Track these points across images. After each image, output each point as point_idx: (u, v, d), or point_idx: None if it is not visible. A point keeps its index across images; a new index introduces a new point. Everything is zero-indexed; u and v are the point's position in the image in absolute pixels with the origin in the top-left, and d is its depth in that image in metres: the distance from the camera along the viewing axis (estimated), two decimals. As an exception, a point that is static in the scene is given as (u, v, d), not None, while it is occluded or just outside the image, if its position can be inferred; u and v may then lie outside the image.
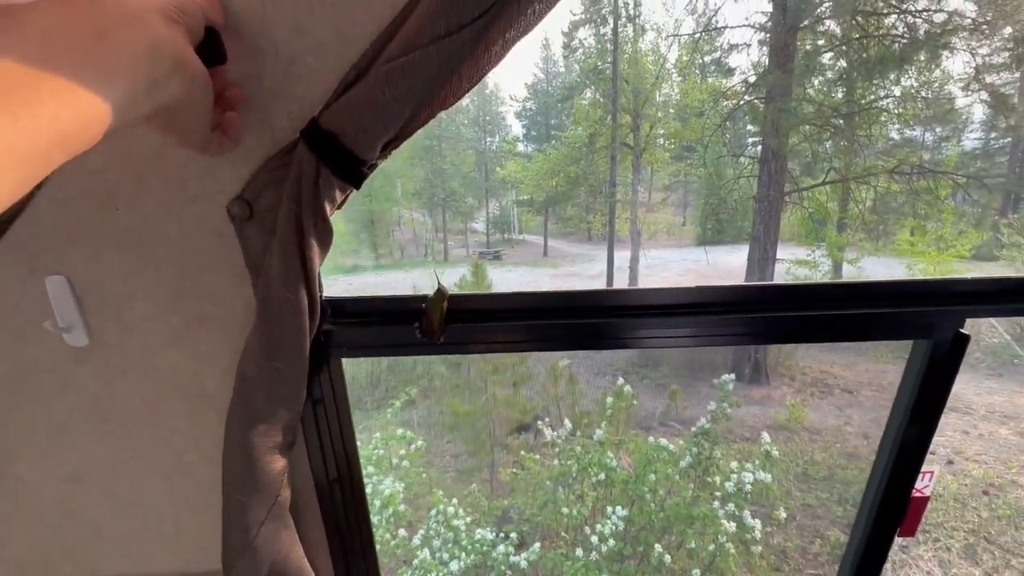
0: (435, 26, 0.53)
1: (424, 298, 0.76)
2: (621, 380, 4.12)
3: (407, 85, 0.56)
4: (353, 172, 0.63)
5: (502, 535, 3.67)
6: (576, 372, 8.57)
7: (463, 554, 3.39)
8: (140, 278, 0.71)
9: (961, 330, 0.82)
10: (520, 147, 26.74)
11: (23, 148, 0.32)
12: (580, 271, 22.59)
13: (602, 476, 3.59)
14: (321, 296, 0.73)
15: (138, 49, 0.40)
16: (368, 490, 3.98)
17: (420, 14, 0.54)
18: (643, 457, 3.62)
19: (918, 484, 0.98)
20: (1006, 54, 8.67)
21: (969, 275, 0.79)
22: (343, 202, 0.68)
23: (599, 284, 17.04)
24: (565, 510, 3.63)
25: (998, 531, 5.04)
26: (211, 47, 0.54)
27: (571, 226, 25.59)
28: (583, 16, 12.85)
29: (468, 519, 3.61)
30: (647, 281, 17.38)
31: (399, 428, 4.18)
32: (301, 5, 0.59)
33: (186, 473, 0.82)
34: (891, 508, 0.95)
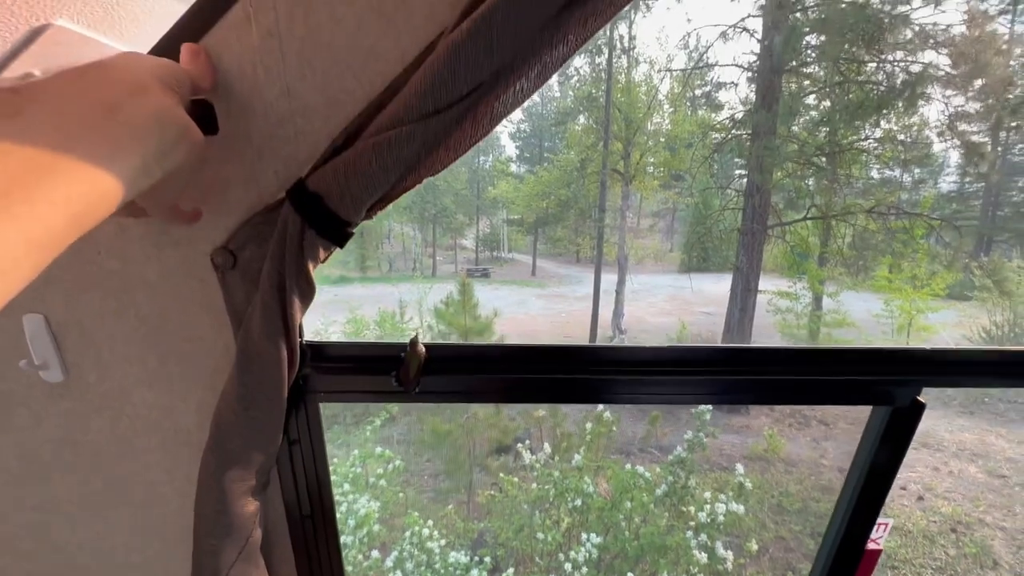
0: (424, 105, 0.55)
1: (403, 347, 0.78)
2: (601, 407, 4.16)
3: (395, 156, 0.58)
4: (337, 233, 0.64)
5: (476, 559, 3.64)
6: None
7: (433, 577, 3.35)
8: (119, 319, 0.72)
9: (918, 398, 0.87)
10: (513, 167, 27.08)
11: (39, 234, 0.31)
12: (567, 292, 22.75)
13: (579, 502, 3.60)
14: (301, 341, 0.74)
15: (148, 120, 0.41)
16: (343, 509, 3.95)
17: (409, 92, 0.56)
18: (620, 484, 3.64)
19: (873, 535, 1.04)
20: (978, 105, 9.13)
21: (928, 345, 0.84)
22: (326, 258, 0.69)
23: (586, 305, 17.11)
24: (540, 535, 3.61)
25: (964, 569, 5.12)
26: (203, 118, 0.57)
27: (560, 248, 25.83)
28: (579, 46, 13.23)
29: (443, 541, 3.57)
30: (632, 305, 17.56)
31: (378, 447, 4.14)
32: (292, 70, 0.60)
33: (159, 504, 0.83)
34: (845, 561, 1.00)
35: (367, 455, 4.15)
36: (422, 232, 27.84)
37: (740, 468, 3.74)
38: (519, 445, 4.72)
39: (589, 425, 4.08)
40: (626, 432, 8.50)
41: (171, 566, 0.87)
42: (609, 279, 16.11)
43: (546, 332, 16.66)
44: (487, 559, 3.48)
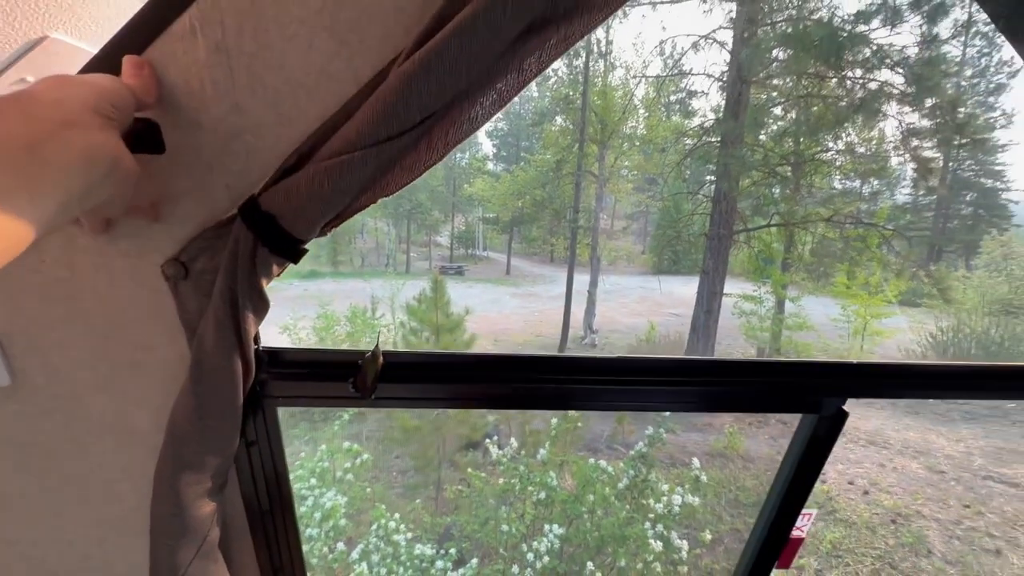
0: (377, 132, 0.56)
1: (361, 354, 0.79)
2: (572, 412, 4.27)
3: (348, 180, 0.58)
4: (290, 250, 0.64)
5: (442, 551, 3.70)
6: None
7: (401, 569, 3.39)
8: (67, 327, 0.72)
9: (843, 407, 0.96)
10: (490, 166, 27.05)
11: None
12: (540, 291, 22.91)
13: (543, 495, 3.71)
14: (258, 348, 0.75)
15: (74, 158, 0.38)
16: (309, 503, 3.95)
17: (362, 118, 0.56)
18: (583, 477, 3.78)
19: (798, 523, 1.16)
20: (928, 122, 9.67)
21: (855, 360, 0.93)
22: (280, 273, 0.70)
23: (559, 305, 17.25)
24: (505, 527, 3.71)
25: (901, 557, 5.48)
26: (148, 136, 0.56)
27: (535, 247, 25.98)
28: (557, 48, 13.38)
29: (409, 534, 3.62)
30: (604, 305, 17.84)
31: (346, 442, 4.14)
32: (242, 86, 0.60)
33: (117, 502, 0.83)
34: (771, 546, 1.12)
35: (335, 450, 4.16)
36: (396, 228, 27.53)
37: (696, 462, 3.92)
38: (487, 441, 4.80)
39: (555, 420, 4.20)
40: (593, 430, 8.68)
41: (132, 558, 0.88)
42: (582, 279, 16.32)
43: (519, 331, 16.75)
44: (452, 550, 3.55)
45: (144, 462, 0.78)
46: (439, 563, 3.42)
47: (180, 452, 0.68)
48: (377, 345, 0.79)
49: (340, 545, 3.52)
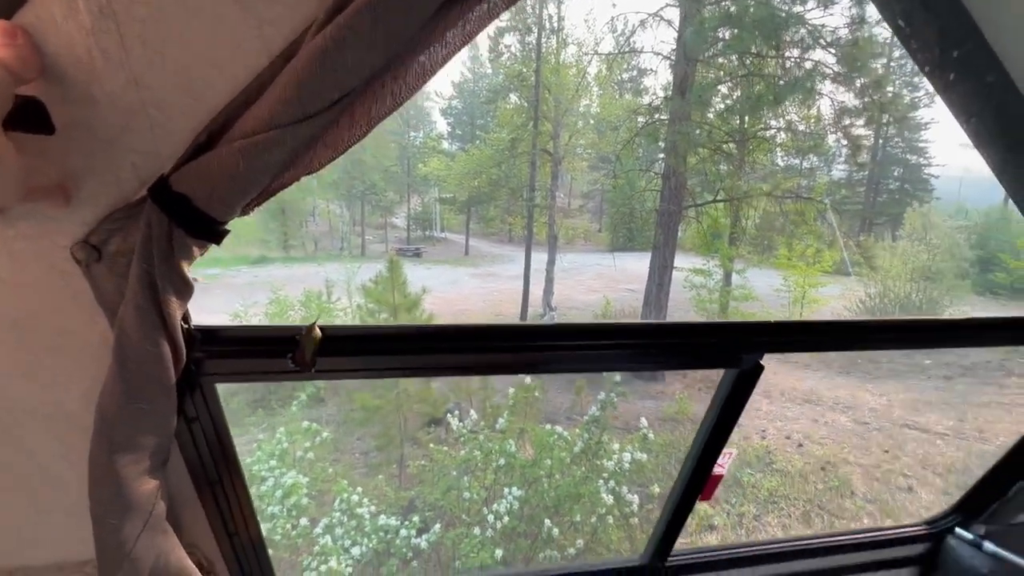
0: (292, 112, 0.53)
1: (297, 329, 0.78)
2: (529, 379, 4.43)
3: (264, 161, 0.55)
4: (209, 231, 0.61)
5: (407, 522, 3.81)
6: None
7: (365, 540, 3.48)
8: None
9: (760, 362, 1.07)
10: (445, 145, 26.55)
11: None
12: (499, 271, 22.98)
13: (502, 462, 3.88)
14: (191, 327, 0.74)
15: None
16: (270, 483, 3.94)
17: (274, 97, 0.54)
18: (540, 443, 3.96)
19: (720, 461, 1.31)
20: (858, 101, 10.26)
21: (772, 319, 1.02)
22: (203, 253, 0.67)
23: (518, 284, 17.41)
24: (467, 495, 3.86)
25: (828, 500, 6.07)
26: (34, 117, 0.51)
27: (493, 227, 25.89)
28: (509, 23, 13.19)
29: (372, 507, 3.70)
30: (562, 283, 18.15)
31: (304, 421, 4.14)
32: (136, 58, 0.55)
33: (55, 484, 0.81)
34: (696, 482, 1.26)
35: (294, 431, 4.14)
36: (350, 210, 26.73)
37: (644, 421, 4.19)
38: (448, 416, 4.91)
39: (512, 390, 4.36)
40: (553, 402, 8.96)
41: (80, 535, 0.83)
42: (541, 258, 16.51)
43: (478, 311, 16.84)
44: (416, 518, 3.66)
45: (81, 444, 0.73)
46: (403, 531, 3.53)
47: (112, 436, 0.65)
48: (315, 321, 0.79)
49: (303, 520, 3.57)
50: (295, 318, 9.97)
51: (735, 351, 1.05)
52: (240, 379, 0.88)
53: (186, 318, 0.74)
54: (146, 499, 0.71)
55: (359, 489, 3.71)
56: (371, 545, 3.46)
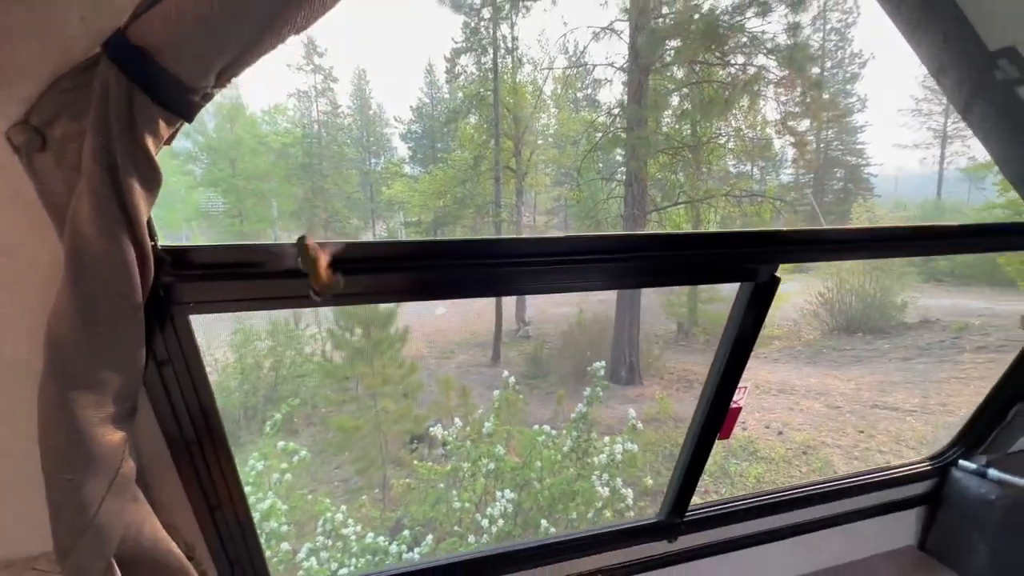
0: None
1: (280, 247, 0.68)
2: (506, 373, 4.36)
3: (242, 1, 0.47)
4: (178, 100, 0.52)
5: (396, 540, 3.61)
6: (468, 385, 8.71)
7: (353, 560, 3.27)
8: None
9: (776, 273, 1.03)
10: (407, 169, 26.60)
11: None
12: (471, 291, 22.96)
13: (492, 466, 3.75)
14: (156, 245, 0.62)
15: None
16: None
17: None
18: (528, 443, 3.87)
19: (735, 397, 1.27)
20: (799, 108, 10.86)
21: (785, 227, 0.97)
22: (172, 137, 0.56)
23: (491, 303, 17.41)
24: (458, 504, 3.70)
25: (813, 481, 6.19)
26: None
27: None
28: (464, 44, 13.43)
29: (358, 527, 3.50)
30: (534, 298, 18.22)
31: (280, 441, 3.90)
32: None
33: None
34: (714, 418, 1.22)
35: (268, 452, 3.89)
36: (313, 239, 26.20)
37: (632, 412, 4.16)
38: (431, 429, 4.76)
39: (496, 392, 4.26)
40: (535, 413, 8.86)
41: (32, 521, 0.70)
42: (511, 274, 16.56)
43: (453, 330, 16.69)
44: (406, 533, 3.48)
45: (27, 400, 0.60)
46: (393, 547, 3.34)
47: (66, 368, 0.54)
48: (304, 236, 0.68)
49: (284, 545, 3.32)
50: (262, 348, 9.58)
51: (750, 263, 1.00)
52: (218, 308, 0.75)
53: (152, 234, 0.60)
54: (111, 453, 0.58)
55: (343, 508, 3.50)
56: (361, 563, 3.25)
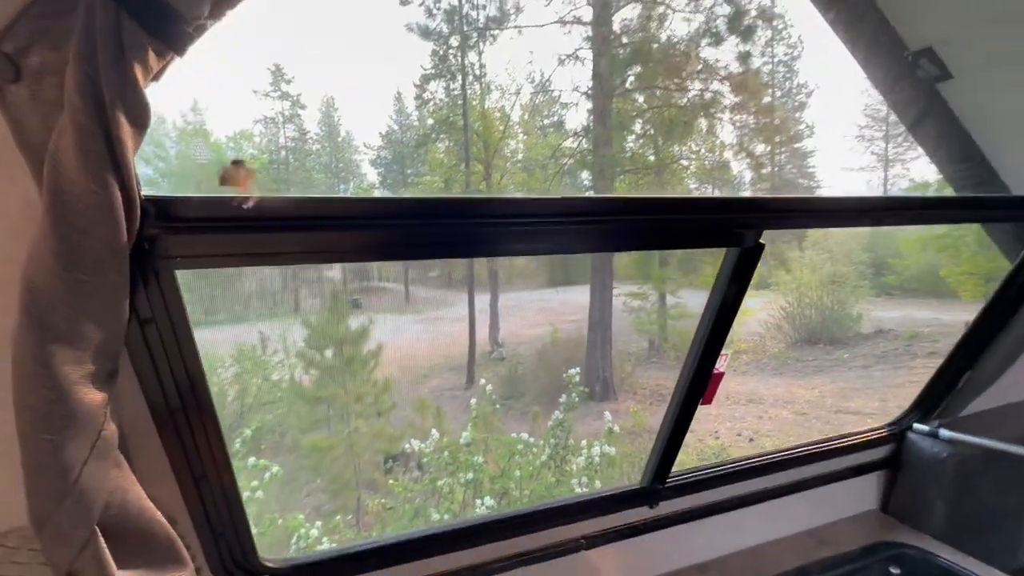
0: None
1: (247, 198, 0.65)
2: (483, 381, 4.35)
3: None
4: (170, 29, 0.49)
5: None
6: (443, 407, 8.59)
7: None
8: None
9: (760, 240, 1.06)
10: (376, 194, 26.59)
11: None
12: (444, 315, 22.71)
13: (470, 476, 3.71)
14: (140, 194, 0.58)
15: None
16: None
17: None
18: (507, 451, 3.85)
19: (718, 364, 1.32)
20: (754, 132, 11.51)
21: (770, 195, 0.98)
22: (161, 72, 0.52)
23: (464, 326, 17.32)
24: (436, 516, 3.62)
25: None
26: None
27: (432, 272, 25.78)
28: (433, 71, 13.74)
29: (333, 545, 3.36)
30: (507, 320, 18.27)
31: (251, 457, 3.74)
32: None
33: None
34: (697, 383, 1.26)
35: (238, 468, 3.72)
36: (280, 270, 25.66)
37: (608, 415, 4.20)
38: (406, 446, 4.67)
39: (473, 401, 4.24)
40: (511, 432, 8.80)
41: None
42: (483, 298, 16.57)
43: (426, 355, 16.48)
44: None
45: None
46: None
47: (44, 319, 0.50)
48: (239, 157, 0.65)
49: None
50: (227, 376, 9.24)
51: (737, 228, 1.02)
52: (205, 263, 0.72)
53: (135, 179, 0.56)
54: (93, 413, 0.55)
55: (318, 524, 3.37)
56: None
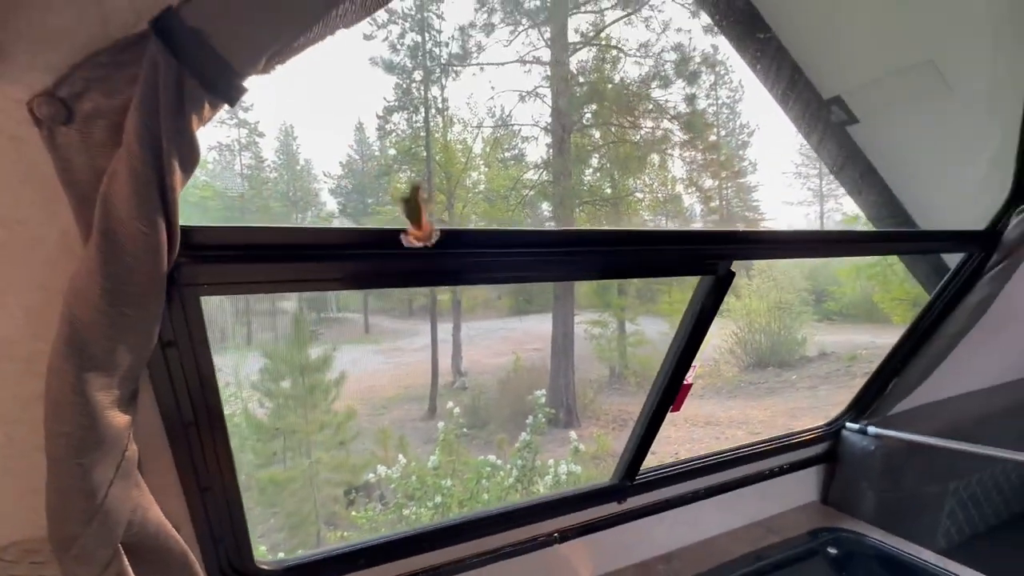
0: None
1: (295, 231, 0.68)
2: (451, 404, 4.36)
3: None
4: (227, 85, 0.52)
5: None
6: (406, 436, 8.43)
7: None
8: None
9: (731, 268, 1.16)
10: (336, 223, 26.23)
11: None
12: (405, 345, 22.33)
13: (439, 499, 3.68)
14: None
15: None
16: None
17: None
18: (475, 474, 3.85)
19: (688, 375, 1.45)
20: (702, 168, 12.30)
21: (741, 227, 1.12)
22: (211, 117, 0.56)
23: (425, 356, 17.10)
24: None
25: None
26: None
27: (392, 301, 25.42)
28: (396, 103, 14.00)
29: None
30: (469, 349, 18.19)
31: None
32: None
33: None
34: (668, 391, 1.37)
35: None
36: (232, 300, 24.63)
37: (574, 435, 4.30)
38: (370, 476, 4.58)
39: (441, 424, 4.23)
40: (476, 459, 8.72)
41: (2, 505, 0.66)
42: (445, 328, 16.49)
43: (386, 386, 16.13)
44: None
45: (15, 383, 0.58)
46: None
47: (84, 350, 0.52)
48: (419, 183, 0.66)
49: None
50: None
51: (711, 259, 1.12)
52: (232, 290, 0.75)
53: (178, 220, 0.59)
54: (119, 436, 0.58)
55: (281, 554, 3.24)
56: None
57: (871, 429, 1.78)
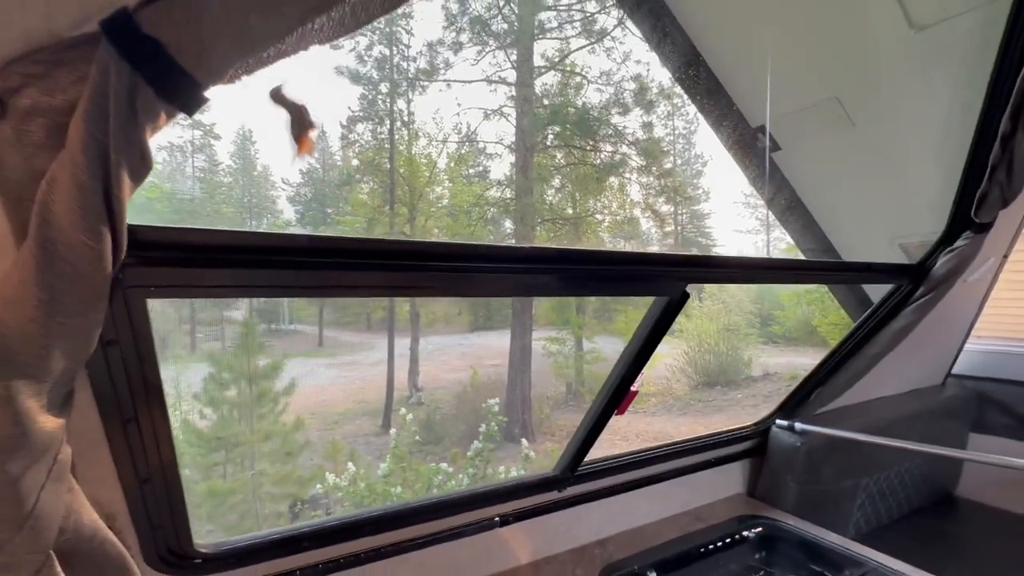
0: None
1: (250, 235, 0.67)
2: (403, 411, 4.32)
3: None
4: (187, 96, 0.48)
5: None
6: (358, 450, 8.22)
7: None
8: None
9: (686, 290, 1.21)
10: (293, 231, 25.46)
11: None
12: (360, 359, 21.76)
13: (388, 508, 3.61)
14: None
15: None
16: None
17: None
18: (426, 482, 3.82)
19: (636, 381, 1.54)
20: (658, 194, 12.85)
21: (696, 252, 1.19)
22: (166, 124, 0.53)
23: (381, 370, 16.74)
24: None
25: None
26: None
27: (349, 315, 24.82)
28: (361, 113, 13.94)
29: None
30: (427, 364, 17.95)
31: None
32: None
33: None
34: (616, 396, 1.46)
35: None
36: (175, 307, 23.36)
37: (525, 442, 4.34)
38: (319, 487, 4.46)
39: (393, 431, 4.18)
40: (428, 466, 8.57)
41: None
42: (403, 342, 16.26)
43: (340, 401, 15.67)
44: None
45: None
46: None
47: (13, 359, 0.50)
48: (280, 87, 0.62)
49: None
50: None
51: (667, 280, 1.17)
52: (178, 293, 0.74)
53: (124, 228, 0.56)
54: (50, 440, 0.55)
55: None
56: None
57: (798, 426, 1.94)
